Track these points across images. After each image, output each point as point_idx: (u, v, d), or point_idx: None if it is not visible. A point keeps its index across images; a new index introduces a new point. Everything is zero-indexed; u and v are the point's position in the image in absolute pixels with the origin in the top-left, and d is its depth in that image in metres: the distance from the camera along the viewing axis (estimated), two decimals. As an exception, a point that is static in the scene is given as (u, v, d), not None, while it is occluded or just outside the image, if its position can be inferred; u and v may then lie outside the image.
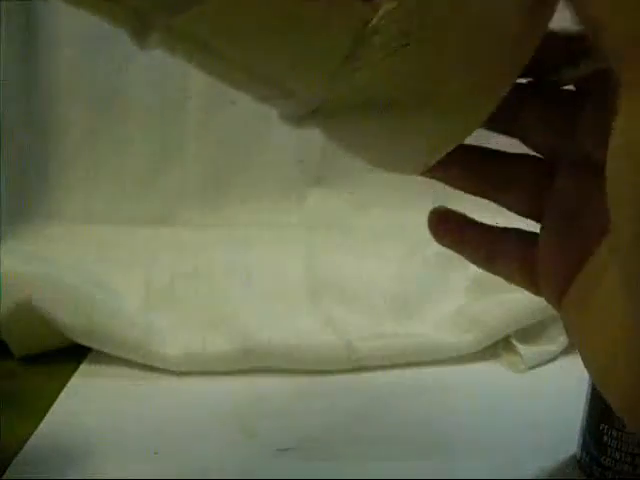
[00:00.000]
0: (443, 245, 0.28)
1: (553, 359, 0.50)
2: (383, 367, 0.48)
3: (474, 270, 0.59)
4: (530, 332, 0.52)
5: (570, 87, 0.25)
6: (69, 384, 0.46)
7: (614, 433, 0.36)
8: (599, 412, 0.36)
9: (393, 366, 0.48)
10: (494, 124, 0.24)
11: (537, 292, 0.26)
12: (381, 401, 0.45)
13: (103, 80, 0.69)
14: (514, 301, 0.52)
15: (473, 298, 0.57)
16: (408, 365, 0.49)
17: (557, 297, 0.24)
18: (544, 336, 0.52)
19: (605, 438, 0.36)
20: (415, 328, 0.52)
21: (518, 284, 0.26)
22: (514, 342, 0.51)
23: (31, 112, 0.69)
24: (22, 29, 0.67)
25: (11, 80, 0.66)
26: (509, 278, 0.27)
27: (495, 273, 0.27)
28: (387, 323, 0.53)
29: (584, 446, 0.38)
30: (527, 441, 0.41)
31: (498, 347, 0.51)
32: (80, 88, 0.69)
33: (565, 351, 0.51)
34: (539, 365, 0.50)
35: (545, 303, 0.57)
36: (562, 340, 0.51)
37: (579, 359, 0.54)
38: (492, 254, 0.27)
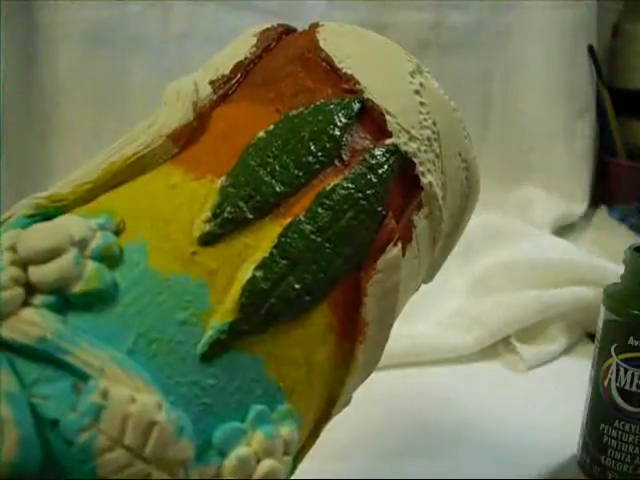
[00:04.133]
0: None
1: (553, 359, 0.50)
2: (383, 367, 0.48)
3: (474, 270, 0.60)
4: (530, 332, 0.52)
5: None
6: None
7: (614, 433, 0.36)
8: (599, 412, 0.36)
9: (393, 366, 0.49)
10: None
11: None
12: (381, 401, 0.45)
13: (103, 80, 0.69)
14: (514, 301, 0.52)
15: (473, 298, 0.57)
16: (408, 365, 0.49)
17: None
18: (544, 336, 0.52)
19: (605, 438, 0.36)
20: (415, 328, 0.52)
21: None
22: (514, 342, 0.51)
23: (31, 112, 0.69)
24: (22, 29, 0.67)
25: (11, 80, 0.66)
26: None
27: None
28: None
29: (584, 446, 0.38)
30: (527, 441, 0.41)
31: (498, 347, 0.51)
32: (80, 88, 0.69)
33: (565, 351, 0.51)
34: (539, 365, 0.50)
35: (546, 303, 0.57)
36: (562, 340, 0.51)
37: (579, 359, 0.54)
38: None
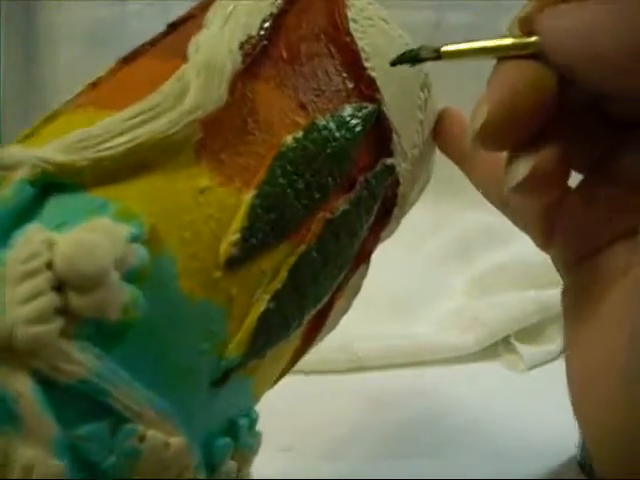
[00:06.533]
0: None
1: (553, 359, 0.50)
2: (383, 367, 0.48)
3: (474, 270, 0.60)
4: (530, 332, 0.52)
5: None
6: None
7: (614, 433, 0.35)
8: (599, 412, 0.36)
9: (393, 366, 0.48)
10: None
11: (544, 243, 0.23)
12: (381, 401, 0.45)
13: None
14: (514, 301, 0.52)
15: (473, 298, 0.56)
16: (408, 365, 0.49)
17: (567, 261, 0.22)
18: (544, 336, 0.52)
19: (605, 438, 0.36)
20: (415, 328, 0.52)
21: (528, 224, 0.24)
22: (514, 342, 0.51)
23: (31, 112, 0.69)
24: (22, 29, 0.67)
25: (11, 80, 0.66)
26: (523, 217, 0.24)
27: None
28: (387, 323, 0.53)
29: (584, 446, 0.38)
30: (527, 441, 0.40)
31: (498, 347, 0.51)
32: (80, 88, 0.69)
33: (565, 351, 0.51)
34: (539, 365, 0.49)
35: (545, 303, 0.57)
36: (562, 340, 0.51)
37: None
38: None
